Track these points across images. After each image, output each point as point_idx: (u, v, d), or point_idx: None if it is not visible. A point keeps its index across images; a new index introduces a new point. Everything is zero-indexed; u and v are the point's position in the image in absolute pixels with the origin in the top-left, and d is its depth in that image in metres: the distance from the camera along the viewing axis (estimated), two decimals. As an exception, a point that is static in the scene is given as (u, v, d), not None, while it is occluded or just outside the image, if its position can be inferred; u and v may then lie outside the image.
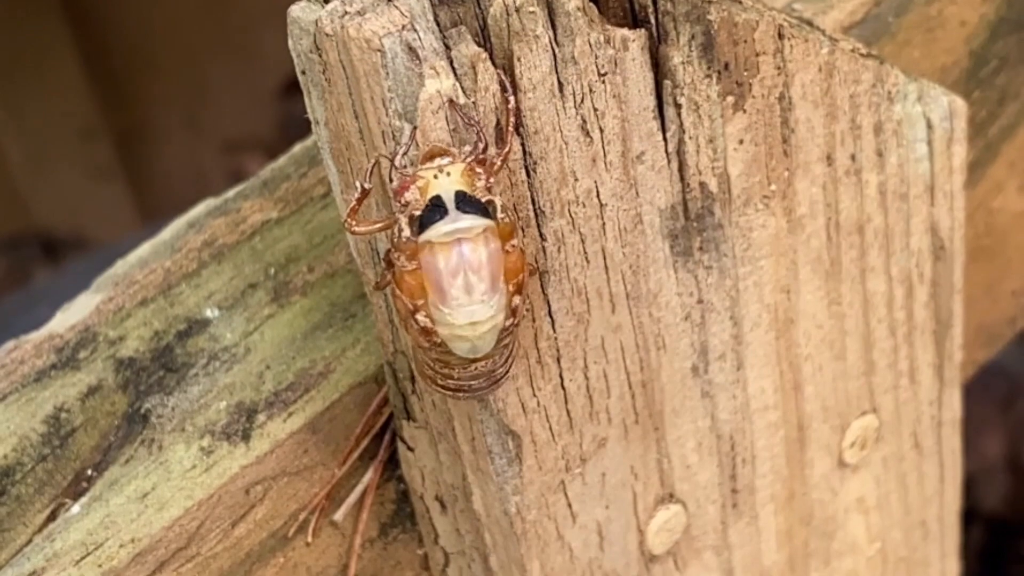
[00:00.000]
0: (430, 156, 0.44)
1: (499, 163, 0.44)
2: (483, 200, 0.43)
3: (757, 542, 0.60)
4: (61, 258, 1.68)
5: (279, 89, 1.75)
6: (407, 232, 0.43)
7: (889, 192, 0.55)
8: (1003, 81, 0.67)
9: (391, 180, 0.44)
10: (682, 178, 0.50)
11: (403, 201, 0.43)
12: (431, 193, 0.43)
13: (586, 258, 0.49)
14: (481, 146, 0.44)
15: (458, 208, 0.43)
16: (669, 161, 0.49)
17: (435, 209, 0.43)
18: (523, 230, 0.47)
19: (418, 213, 0.43)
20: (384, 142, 0.45)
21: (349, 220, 0.45)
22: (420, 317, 0.45)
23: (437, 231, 0.43)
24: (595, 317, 0.50)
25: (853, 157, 0.53)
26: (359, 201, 0.45)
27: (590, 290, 0.50)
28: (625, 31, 0.46)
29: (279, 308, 0.58)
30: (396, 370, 0.53)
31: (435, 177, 0.43)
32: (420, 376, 0.48)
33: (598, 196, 0.48)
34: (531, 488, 0.52)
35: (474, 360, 0.46)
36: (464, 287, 0.43)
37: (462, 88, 0.44)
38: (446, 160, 0.43)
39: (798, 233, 0.54)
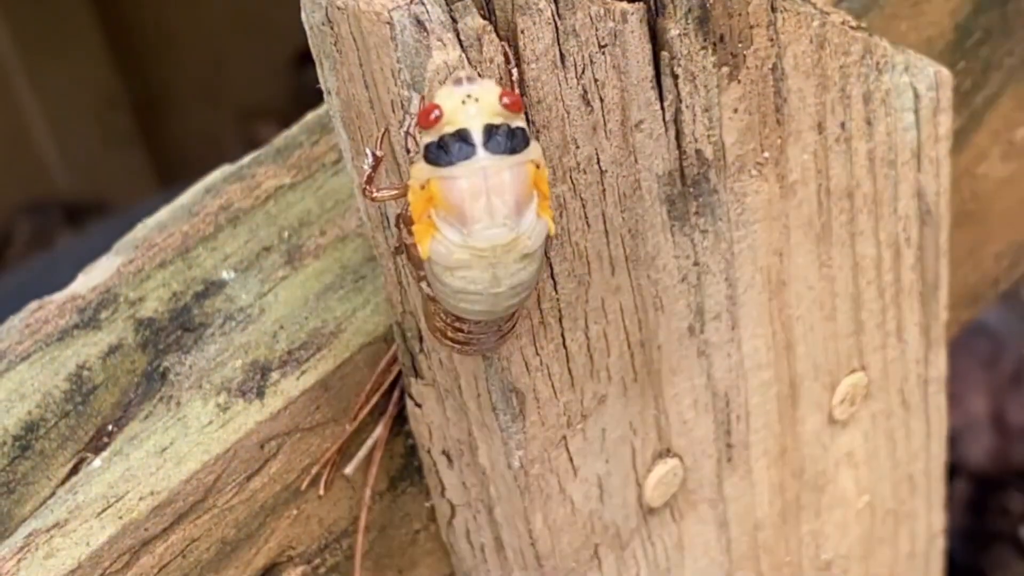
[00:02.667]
0: (456, 81, 0.41)
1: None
2: (514, 127, 0.41)
3: (751, 495, 0.60)
4: (83, 222, 1.66)
5: (292, 60, 1.75)
6: (423, 164, 0.41)
7: (878, 159, 0.55)
8: (987, 52, 0.67)
9: (407, 151, 0.43)
10: (679, 146, 0.50)
11: (425, 128, 0.41)
12: (457, 125, 0.41)
13: (587, 223, 0.49)
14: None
15: (486, 146, 0.41)
16: (667, 129, 0.49)
17: (461, 143, 0.41)
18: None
19: (443, 138, 0.41)
20: (393, 111, 0.45)
21: (368, 187, 0.44)
22: (424, 286, 0.44)
23: (460, 169, 0.41)
24: (595, 279, 0.50)
25: (843, 125, 0.53)
26: (374, 168, 0.44)
27: (591, 253, 0.50)
28: (624, 4, 0.46)
29: (292, 270, 0.58)
30: (404, 330, 0.53)
31: (463, 103, 0.41)
32: (429, 330, 0.48)
33: (598, 163, 0.48)
34: (534, 443, 0.52)
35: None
36: (487, 209, 0.41)
37: (468, 59, 0.43)
38: (475, 86, 0.41)
39: (790, 198, 0.54)
